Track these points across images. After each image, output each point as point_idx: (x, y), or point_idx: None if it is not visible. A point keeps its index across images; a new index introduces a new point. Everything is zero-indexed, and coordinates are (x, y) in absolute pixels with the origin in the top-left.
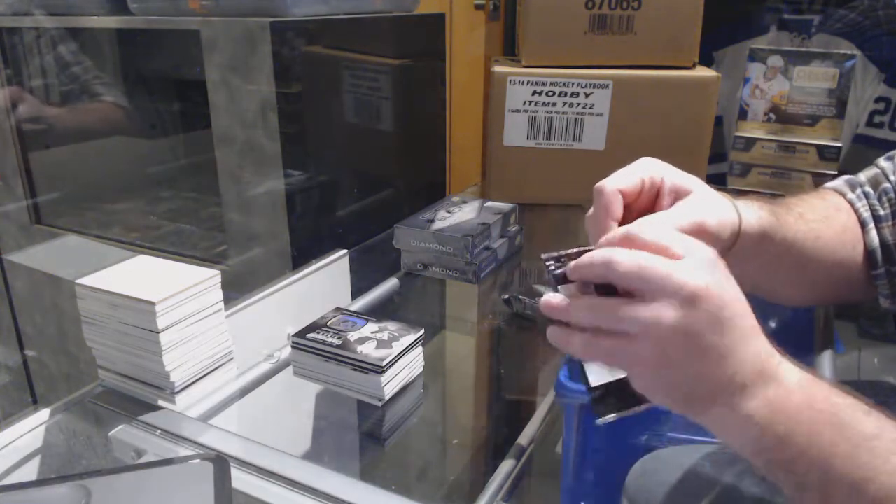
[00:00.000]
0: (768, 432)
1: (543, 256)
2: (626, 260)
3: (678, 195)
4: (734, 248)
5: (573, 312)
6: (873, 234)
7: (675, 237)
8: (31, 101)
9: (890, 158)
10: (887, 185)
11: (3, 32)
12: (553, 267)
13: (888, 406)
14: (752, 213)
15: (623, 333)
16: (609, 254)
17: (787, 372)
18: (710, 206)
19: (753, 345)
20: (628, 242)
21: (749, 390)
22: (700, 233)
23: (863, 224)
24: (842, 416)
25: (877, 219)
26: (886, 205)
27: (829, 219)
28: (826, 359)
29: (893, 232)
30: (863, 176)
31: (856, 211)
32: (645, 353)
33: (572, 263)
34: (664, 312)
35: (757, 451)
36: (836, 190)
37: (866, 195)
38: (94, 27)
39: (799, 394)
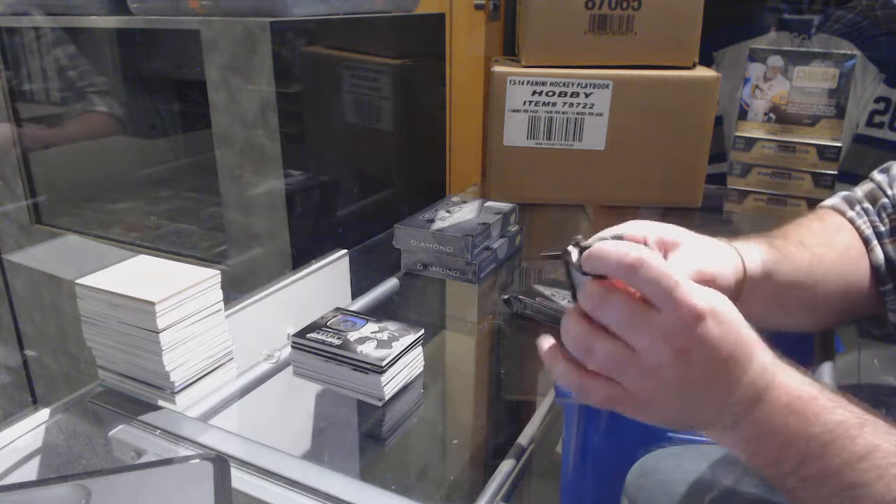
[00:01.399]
0: (759, 454)
1: (548, 252)
2: (613, 305)
3: (668, 248)
4: (745, 288)
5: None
6: (878, 250)
7: (673, 286)
8: (25, 133)
9: (884, 171)
10: (885, 200)
11: (1, 32)
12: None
13: (888, 406)
14: (754, 254)
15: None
16: (600, 294)
17: (779, 390)
18: (705, 253)
19: (752, 368)
20: (628, 271)
21: (741, 416)
22: (704, 282)
23: (866, 241)
24: (832, 438)
25: (878, 235)
26: (886, 220)
27: (830, 241)
28: (825, 371)
29: (895, 248)
30: (859, 192)
31: (857, 229)
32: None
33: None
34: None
35: (752, 466)
36: (834, 209)
37: (866, 211)
38: (94, 27)
39: (790, 416)
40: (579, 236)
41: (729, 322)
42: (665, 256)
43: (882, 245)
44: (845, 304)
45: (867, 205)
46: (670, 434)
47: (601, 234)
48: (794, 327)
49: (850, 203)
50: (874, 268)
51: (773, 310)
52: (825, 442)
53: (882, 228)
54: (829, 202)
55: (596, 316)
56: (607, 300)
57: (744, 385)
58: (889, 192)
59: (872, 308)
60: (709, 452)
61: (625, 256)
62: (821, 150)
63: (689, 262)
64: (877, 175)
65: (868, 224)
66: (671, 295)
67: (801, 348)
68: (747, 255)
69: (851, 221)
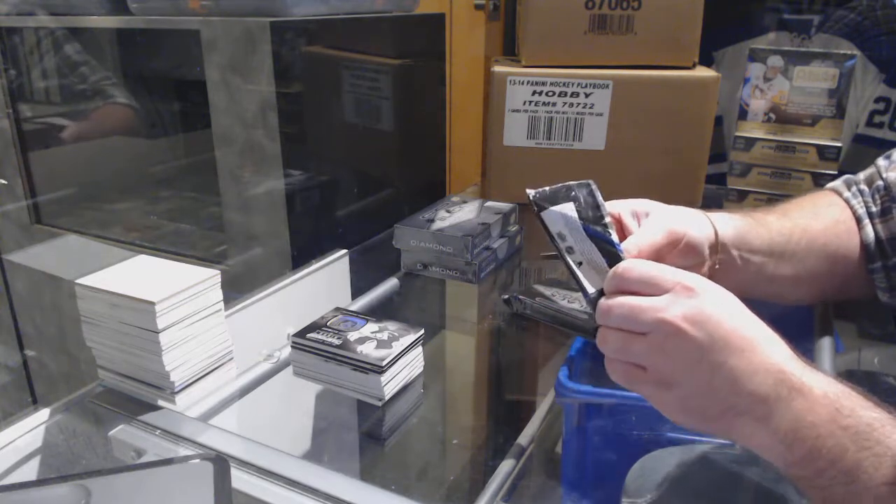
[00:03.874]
0: (794, 448)
1: (549, 253)
2: (615, 310)
3: (641, 216)
4: (720, 255)
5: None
6: (869, 229)
7: (658, 273)
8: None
9: (888, 157)
10: (880, 182)
11: (2, 32)
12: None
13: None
14: (726, 221)
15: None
16: (605, 306)
17: (811, 381)
18: (676, 215)
19: (766, 356)
20: (619, 280)
21: (772, 405)
22: (675, 239)
23: (858, 220)
24: (868, 430)
25: (871, 215)
26: (878, 201)
27: (817, 214)
28: (826, 359)
29: (886, 228)
30: (861, 175)
31: (851, 207)
32: (650, 374)
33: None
34: (652, 344)
35: (785, 464)
36: (834, 189)
37: (861, 192)
38: (94, 27)
39: (824, 406)
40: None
41: (733, 301)
42: (639, 224)
43: (873, 224)
44: (831, 278)
45: (864, 186)
46: (670, 435)
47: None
48: (783, 298)
49: (849, 184)
50: (865, 245)
51: (753, 278)
52: (861, 435)
53: (874, 209)
54: (831, 184)
55: (607, 325)
56: (609, 308)
57: (770, 366)
58: (885, 175)
59: (861, 286)
60: (708, 452)
61: (613, 270)
62: (821, 150)
63: (660, 223)
64: (880, 160)
65: (862, 204)
66: (662, 277)
67: (800, 328)
68: (719, 222)
69: (847, 201)
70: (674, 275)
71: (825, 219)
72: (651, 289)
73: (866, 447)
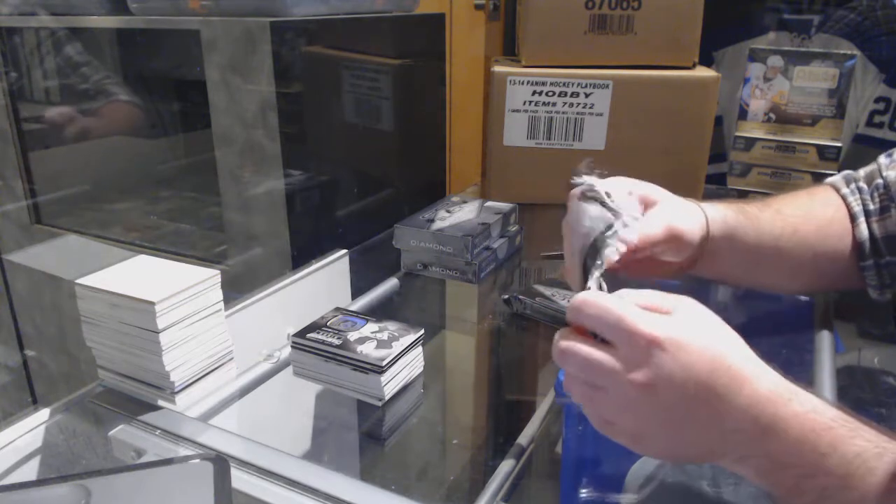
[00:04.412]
0: (777, 486)
1: (549, 253)
2: (570, 358)
3: (647, 204)
4: (708, 246)
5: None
6: (863, 227)
7: (615, 319)
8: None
9: (890, 154)
10: (879, 180)
11: (3, 32)
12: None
13: (888, 406)
14: (717, 213)
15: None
16: (560, 350)
17: (789, 422)
18: (678, 211)
19: (738, 403)
20: (575, 313)
21: (750, 449)
22: (672, 236)
23: (854, 217)
24: (851, 471)
25: (868, 213)
26: (877, 200)
27: (810, 213)
28: (826, 358)
29: (881, 226)
30: (862, 171)
31: (847, 205)
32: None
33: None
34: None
35: (773, 496)
36: (833, 185)
37: (860, 190)
38: (94, 27)
39: (804, 443)
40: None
41: (697, 349)
42: (644, 210)
43: (868, 223)
44: (820, 273)
45: (863, 184)
46: None
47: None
48: (770, 288)
49: (848, 181)
50: (858, 242)
51: (741, 268)
52: (844, 474)
53: (871, 207)
54: (831, 179)
55: (565, 369)
56: (565, 355)
57: (737, 415)
58: (885, 173)
59: (852, 282)
60: None
61: (572, 301)
62: (821, 150)
63: (662, 218)
64: (882, 158)
65: (859, 201)
66: (618, 326)
67: (800, 328)
68: (712, 214)
69: (844, 198)
70: (635, 320)
71: (818, 219)
72: (609, 332)
73: (854, 485)
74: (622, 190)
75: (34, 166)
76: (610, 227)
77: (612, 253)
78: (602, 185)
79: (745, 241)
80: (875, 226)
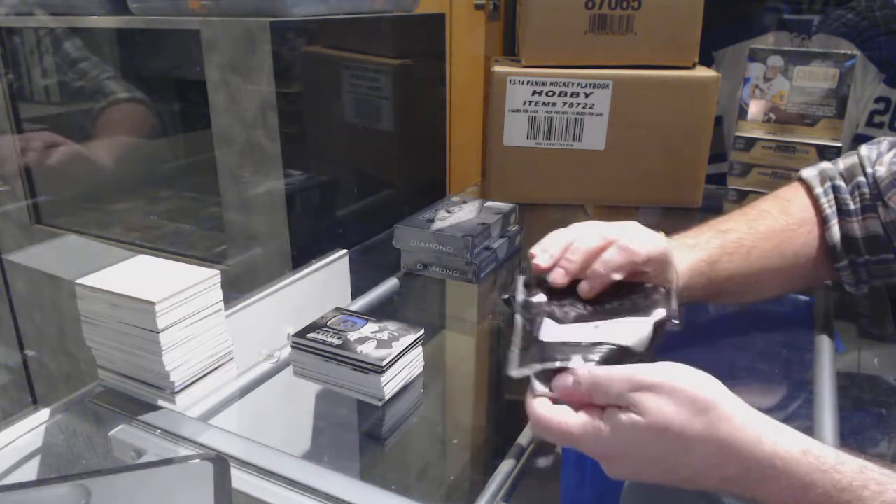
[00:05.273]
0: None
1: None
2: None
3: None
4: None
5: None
6: (835, 229)
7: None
8: (63, 142)
9: (874, 145)
10: (862, 178)
11: (2, 32)
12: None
13: (888, 406)
14: (690, 260)
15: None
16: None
17: (767, 484)
18: (638, 242)
19: (701, 470)
20: (569, 393)
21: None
22: (633, 263)
23: (824, 220)
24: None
25: (845, 213)
26: (857, 199)
27: (769, 235)
28: (826, 359)
29: (863, 226)
30: (841, 164)
31: (819, 207)
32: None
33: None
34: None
35: None
36: (807, 182)
37: (835, 189)
38: (94, 27)
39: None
40: (522, 276)
41: (654, 426)
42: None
43: (845, 223)
44: (789, 279)
45: (840, 182)
46: None
47: (546, 245)
48: (732, 302)
49: (823, 179)
50: (829, 246)
51: (710, 297)
52: None
53: (851, 206)
54: (805, 173)
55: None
56: (544, 431)
57: (712, 474)
58: (869, 170)
59: (819, 281)
60: None
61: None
62: (821, 150)
63: (621, 252)
64: (863, 149)
65: (832, 202)
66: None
67: (800, 328)
68: (680, 257)
69: (816, 199)
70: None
71: (784, 227)
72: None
73: None
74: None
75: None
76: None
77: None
78: (563, 237)
79: (717, 276)
80: (855, 226)
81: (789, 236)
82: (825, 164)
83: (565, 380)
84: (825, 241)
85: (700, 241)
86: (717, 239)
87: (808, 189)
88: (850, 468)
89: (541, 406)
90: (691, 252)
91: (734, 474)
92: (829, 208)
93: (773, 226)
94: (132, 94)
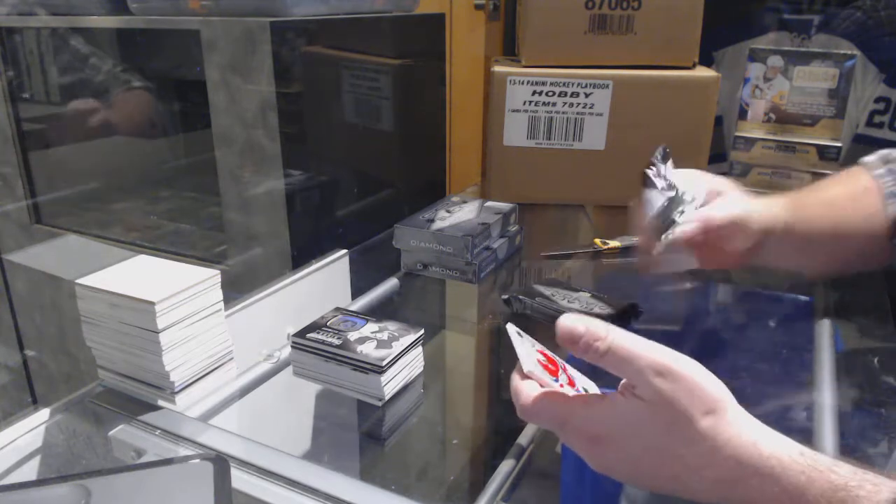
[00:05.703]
0: None
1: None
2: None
3: (715, 195)
4: (766, 239)
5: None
6: (893, 207)
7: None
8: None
9: None
10: None
11: (2, 32)
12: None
13: (888, 406)
14: (774, 207)
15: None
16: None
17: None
18: (740, 203)
19: (689, 477)
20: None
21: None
22: (734, 224)
23: (887, 197)
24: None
25: None
26: None
27: (843, 198)
28: (826, 358)
29: None
30: None
31: (879, 186)
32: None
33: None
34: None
35: None
36: (867, 166)
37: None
38: (94, 27)
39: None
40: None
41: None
42: (711, 200)
43: None
44: (853, 252)
45: None
46: None
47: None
48: (816, 270)
49: (885, 160)
50: (892, 221)
51: (793, 257)
52: None
53: None
54: (868, 158)
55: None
56: (530, 416)
57: (700, 481)
58: None
59: (880, 259)
60: None
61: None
62: (821, 150)
63: (725, 208)
64: None
65: (891, 183)
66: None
67: (800, 328)
68: (771, 209)
69: (877, 178)
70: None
71: (854, 202)
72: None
73: None
74: (689, 178)
75: (34, 166)
76: (667, 206)
77: (674, 226)
78: (670, 172)
79: (799, 233)
80: None
81: (860, 204)
82: (885, 150)
83: (575, 326)
84: (888, 216)
85: (789, 202)
86: (801, 205)
87: (868, 170)
88: (846, 470)
89: (530, 385)
90: (771, 206)
91: (730, 475)
92: (892, 187)
93: (841, 192)
94: (146, 84)
